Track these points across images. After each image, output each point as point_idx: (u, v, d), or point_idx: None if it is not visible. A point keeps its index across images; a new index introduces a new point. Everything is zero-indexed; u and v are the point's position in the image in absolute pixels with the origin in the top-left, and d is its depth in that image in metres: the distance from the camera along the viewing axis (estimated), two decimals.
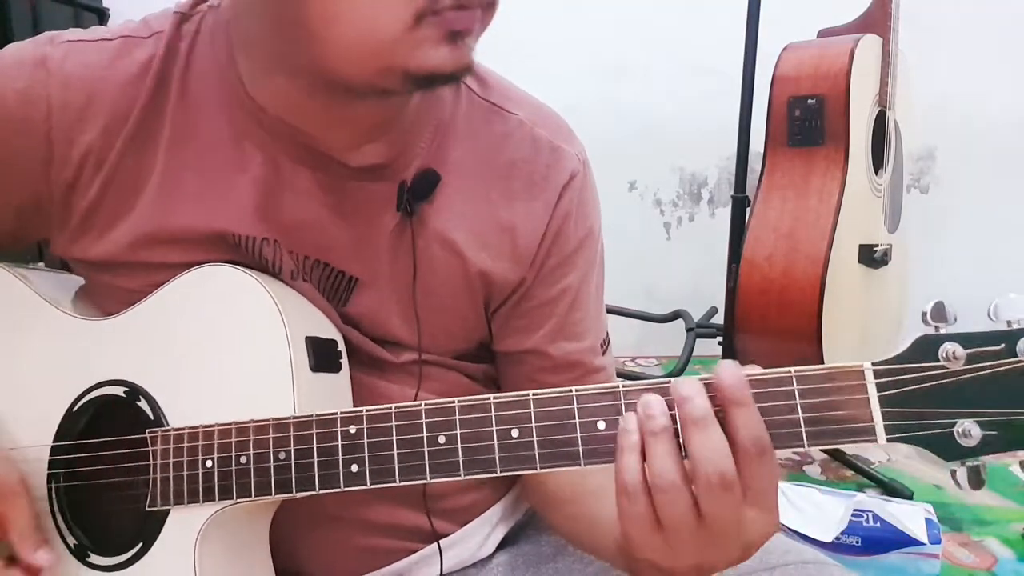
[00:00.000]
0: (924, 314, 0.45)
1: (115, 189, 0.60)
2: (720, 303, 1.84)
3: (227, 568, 0.59)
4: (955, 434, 0.44)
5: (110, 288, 0.64)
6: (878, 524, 1.25)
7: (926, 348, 0.45)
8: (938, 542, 1.22)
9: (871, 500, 1.29)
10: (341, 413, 0.54)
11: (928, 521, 1.25)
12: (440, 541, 0.69)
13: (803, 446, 0.45)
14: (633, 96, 2.38)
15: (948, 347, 0.44)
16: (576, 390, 0.49)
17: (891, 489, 1.64)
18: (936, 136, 2.43)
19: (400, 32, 0.50)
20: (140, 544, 0.58)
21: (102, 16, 1.92)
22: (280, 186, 0.61)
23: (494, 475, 0.50)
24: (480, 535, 0.72)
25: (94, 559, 0.60)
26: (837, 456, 1.73)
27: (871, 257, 1.67)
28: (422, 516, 0.67)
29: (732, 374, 0.46)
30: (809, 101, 1.58)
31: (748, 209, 1.67)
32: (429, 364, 0.67)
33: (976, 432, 0.44)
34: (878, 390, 0.45)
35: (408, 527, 0.67)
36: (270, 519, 0.62)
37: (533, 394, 0.49)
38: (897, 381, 0.45)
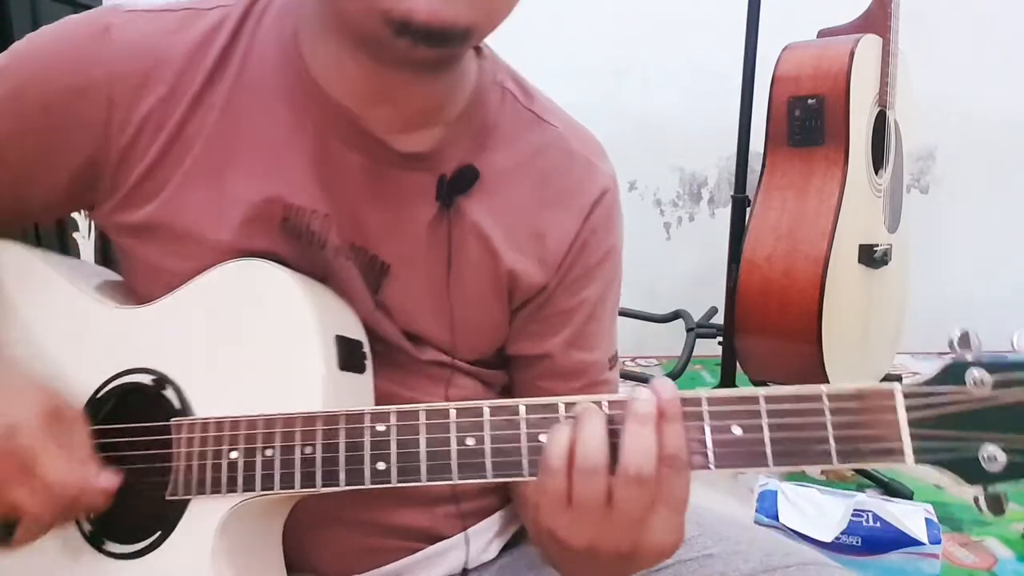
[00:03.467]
0: (951, 341, 0.46)
1: (172, 155, 0.61)
2: (720, 303, 1.84)
3: (243, 561, 0.58)
4: (980, 458, 0.45)
5: (146, 266, 0.64)
6: (878, 524, 1.25)
7: (954, 373, 0.46)
8: (938, 542, 1.22)
9: (871, 500, 1.29)
10: (369, 410, 0.54)
11: (928, 521, 1.25)
12: (442, 543, 0.69)
13: (832, 464, 0.46)
14: (633, 96, 2.38)
15: (975, 373, 0.45)
16: (605, 397, 0.50)
17: (891, 489, 1.64)
18: (936, 136, 2.43)
19: None
20: (158, 533, 0.58)
21: None
22: (328, 166, 0.62)
23: (521, 479, 0.51)
24: (484, 539, 0.72)
25: (110, 546, 0.59)
26: None
27: (871, 257, 1.67)
28: (427, 517, 0.68)
29: (668, 390, 0.48)
30: (809, 101, 1.59)
31: (748, 209, 1.67)
32: (448, 366, 0.68)
33: (1001, 457, 0.45)
34: (907, 411, 0.46)
35: (413, 528, 0.68)
36: (285, 517, 0.62)
37: (563, 400, 0.50)
38: (925, 404, 0.46)
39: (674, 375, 2.04)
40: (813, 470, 1.78)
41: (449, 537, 0.70)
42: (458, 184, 0.63)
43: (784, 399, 0.47)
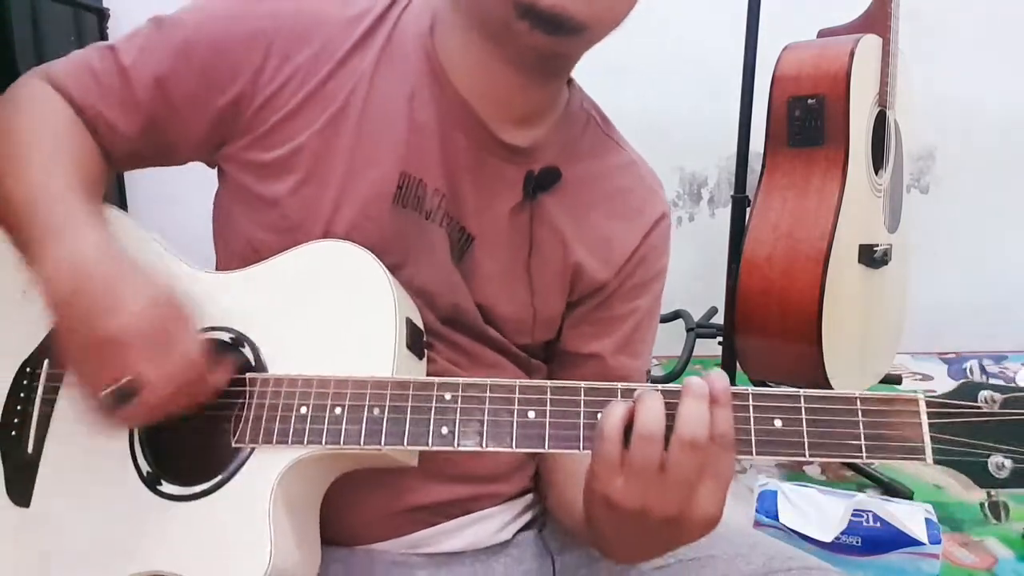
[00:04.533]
0: (966, 368, 0.57)
1: (310, 107, 0.68)
2: (720, 303, 1.84)
3: (295, 515, 0.60)
4: (989, 464, 0.52)
5: (260, 202, 0.69)
6: (878, 524, 1.25)
7: (969, 392, 0.53)
8: (938, 542, 1.22)
9: (871, 500, 1.29)
10: (439, 380, 0.58)
11: (928, 521, 1.25)
12: (461, 518, 0.73)
13: (861, 458, 0.53)
14: (633, 96, 2.38)
15: (986, 393, 0.53)
16: (663, 387, 0.54)
17: (891, 489, 1.64)
18: (936, 136, 2.43)
19: None
20: (218, 478, 0.60)
21: (102, 16, 1.92)
22: (444, 145, 0.69)
23: (576, 452, 0.55)
24: (500, 520, 0.76)
25: (166, 487, 0.61)
26: None
27: (871, 257, 1.67)
28: (459, 491, 0.72)
29: (721, 382, 0.53)
30: (809, 101, 1.59)
31: (748, 209, 1.67)
32: (498, 350, 0.73)
33: (1008, 465, 0.52)
34: (929, 418, 0.53)
35: (443, 503, 0.71)
36: (329, 484, 0.65)
37: (621, 385, 0.55)
38: (945, 412, 0.53)
39: (674, 375, 2.04)
40: (813, 470, 1.78)
41: (464, 515, 0.73)
42: (544, 181, 0.72)
43: (822, 399, 0.54)
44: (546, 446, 0.55)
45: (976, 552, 1.44)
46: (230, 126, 0.69)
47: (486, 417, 0.56)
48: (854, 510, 1.26)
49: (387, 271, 0.64)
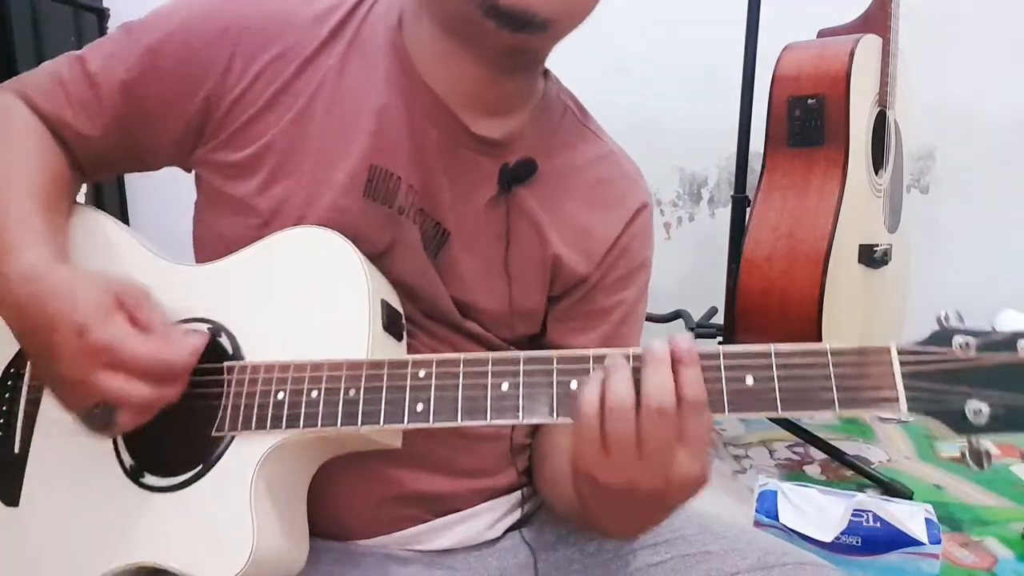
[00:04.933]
0: (939, 317, 0.52)
1: (279, 105, 0.68)
2: (720, 303, 1.84)
3: (278, 500, 0.61)
4: (966, 411, 0.50)
5: (232, 202, 0.68)
6: (878, 524, 1.25)
7: (943, 338, 0.51)
8: (938, 542, 1.22)
9: (871, 500, 1.29)
10: (412, 358, 0.58)
11: (928, 521, 1.25)
12: (450, 516, 0.73)
13: (835, 410, 0.51)
14: (633, 96, 2.37)
15: (961, 338, 0.51)
16: (633, 350, 0.54)
17: (891, 489, 1.64)
18: (936, 136, 2.43)
19: None
20: (199, 467, 0.60)
21: (102, 16, 1.92)
22: (414, 137, 0.69)
23: (550, 421, 0.55)
24: (489, 517, 0.76)
25: (148, 479, 0.61)
26: (837, 456, 1.74)
27: (871, 257, 1.67)
28: (444, 487, 0.72)
29: (685, 340, 0.52)
30: (809, 101, 1.58)
31: (748, 209, 1.67)
32: (480, 342, 0.73)
33: (985, 410, 0.50)
34: (902, 366, 0.51)
35: (430, 496, 0.72)
36: (314, 470, 0.65)
37: (593, 352, 0.55)
38: (918, 360, 0.51)
39: None
40: (813, 470, 1.78)
41: (456, 511, 0.74)
42: (519, 173, 0.71)
43: (792, 354, 0.52)
44: (520, 417, 0.55)
45: (976, 552, 1.44)
46: (201, 129, 0.69)
47: (460, 392, 0.56)
48: (854, 510, 1.26)
49: (360, 254, 0.64)
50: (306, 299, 0.63)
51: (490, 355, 0.57)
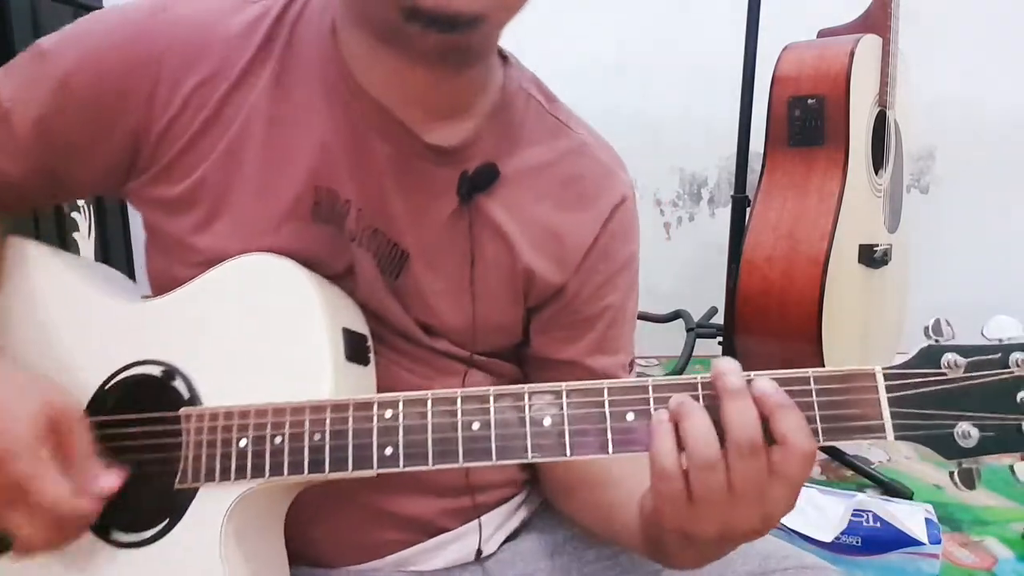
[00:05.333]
0: (925, 328, 0.51)
1: (212, 132, 0.63)
2: (720, 303, 1.84)
3: (249, 548, 0.59)
4: (955, 435, 0.49)
5: (173, 241, 0.65)
6: (878, 524, 1.25)
7: (930, 357, 0.50)
8: (938, 542, 1.22)
9: (871, 500, 1.29)
10: (378, 398, 0.55)
11: (928, 521, 1.25)
12: (443, 535, 0.70)
13: (819, 441, 0.49)
14: (633, 96, 2.38)
15: (949, 356, 0.49)
16: (607, 383, 0.51)
17: (891, 489, 1.64)
18: (936, 136, 2.43)
19: None
20: (166, 521, 0.58)
21: None
22: (359, 153, 0.64)
23: (525, 460, 0.52)
24: (484, 533, 0.73)
25: (117, 536, 0.60)
26: (837, 456, 1.73)
27: (871, 257, 1.67)
28: (434, 508, 0.69)
29: (769, 383, 0.49)
30: (809, 101, 1.58)
31: (748, 209, 1.67)
32: (460, 359, 0.69)
33: (975, 433, 0.48)
34: (887, 392, 0.49)
35: (418, 519, 0.69)
36: (288, 504, 0.63)
37: (566, 386, 0.52)
38: (904, 384, 0.49)
39: (674, 375, 2.03)
40: (813, 470, 1.78)
41: (449, 530, 0.71)
42: (479, 181, 0.65)
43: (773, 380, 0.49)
44: (494, 458, 0.52)
45: (976, 552, 1.44)
46: (131, 162, 0.64)
47: (430, 434, 0.53)
48: (854, 510, 1.26)
49: (314, 281, 0.61)
50: (261, 334, 0.60)
51: (458, 393, 0.53)
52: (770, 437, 0.48)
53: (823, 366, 1.53)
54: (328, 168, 0.63)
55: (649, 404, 0.51)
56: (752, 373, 0.50)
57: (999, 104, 2.37)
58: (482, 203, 0.66)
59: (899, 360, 0.51)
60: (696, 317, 2.21)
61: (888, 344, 1.94)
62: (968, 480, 0.49)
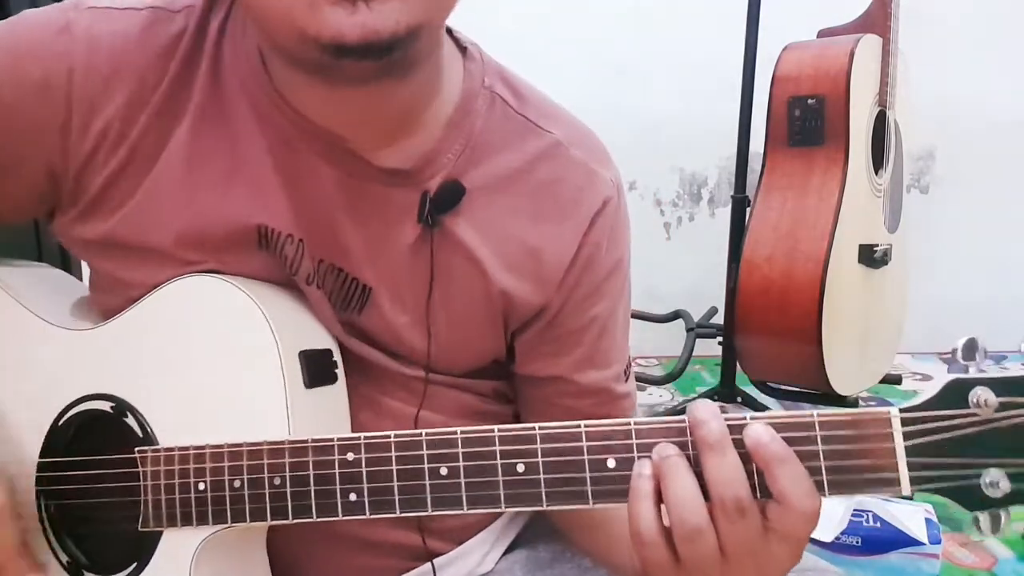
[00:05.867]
0: (954, 350, 0.45)
1: (134, 166, 0.58)
2: (720, 303, 1.84)
3: None
4: (982, 484, 0.43)
5: (109, 279, 0.61)
6: (878, 524, 1.24)
7: (957, 393, 0.43)
8: (938, 542, 1.22)
9: (871, 500, 1.29)
10: (338, 440, 0.52)
11: (928, 521, 1.25)
12: (436, 560, 0.67)
13: (824, 495, 0.44)
14: (633, 96, 2.37)
15: (979, 393, 0.42)
16: (585, 425, 0.47)
17: None
18: (936, 136, 2.43)
19: None
20: (134, 564, 0.57)
21: None
22: (301, 182, 0.58)
23: (498, 510, 0.49)
24: (479, 553, 0.71)
25: None
26: None
27: (871, 257, 1.67)
28: (418, 535, 0.66)
29: (765, 431, 0.44)
30: (809, 101, 1.58)
31: (748, 209, 1.67)
32: (435, 383, 0.65)
33: (1004, 484, 0.42)
34: (905, 439, 0.43)
35: (405, 545, 0.66)
36: (264, 539, 0.61)
37: (539, 427, 0.48)
38: (925, 430, 0.43)
39: (674, 375, 2.03)
40: None
41: (442, 554, 0.68)
42: (442, 201, 0.59)
43: (774, 427, 0.44)
44: (464, 506, 0.48)
45: (976, 552, 1.44)
46: (50, 196, 0.60)
47: (395, 481, 0.50)
48: (854, 510, 1.26)
49: (263, 300, 0.56)
50: (212, 365, 0.56)
51: (423, 434, 0.50)
52: (766, 491, 0.44)
53: (823, 366, 1.55)
54: (268, 205, 0.58)
55: (633, 451, 0.46)
56: (749, 416, 0.45)
57: (999, 104, 2.37)
58: (448, 225, 0.60)
59: (916, 371, 0.45)
60: (696, 317, 2.20)
61: (888, 344, 1.94)
62: (995, 525, 0.44)
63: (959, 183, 2.46)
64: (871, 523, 1.25)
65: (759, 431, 0.44)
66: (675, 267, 2.50)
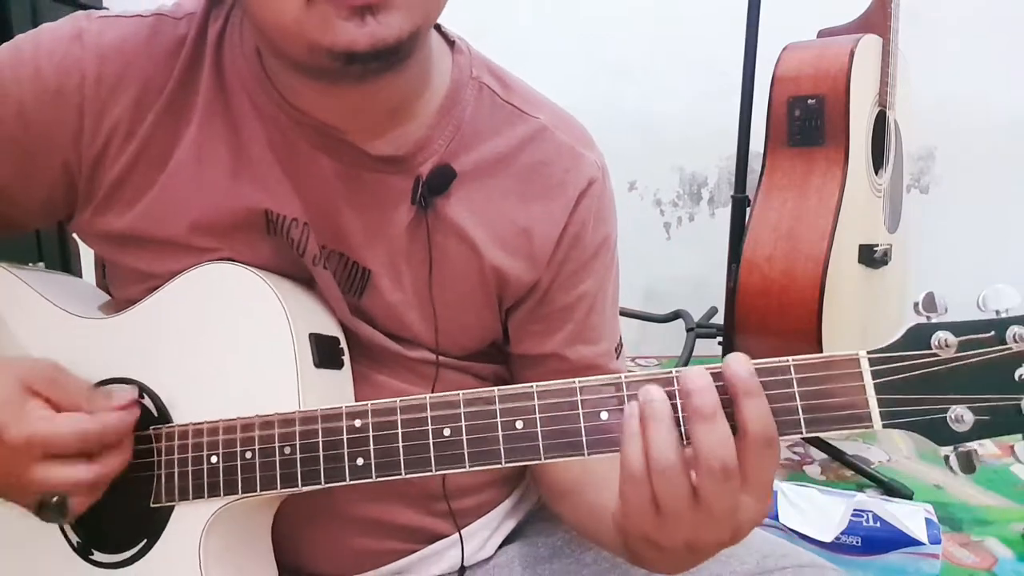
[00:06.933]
0: (916, 304, 0.47)
1: (144, 162, 0.62)
2: (720, 303, 1.84)
3: (232, 563, 0.59)
4: (948, 419, 0.46)
5: (129, 272, 0.64)
6: (878, 524, 1.25)
7: (919, 336, 0.47)
8: (938, 542, 1.22)
9: (871, 500, 1.29)
10: (346, 407, 0.54)
11: (928, 521, 1.25)
12: (436, 544, 0.69)
13: (801, 433, 0.47)
14: (633, 96, 2.38)
15: (940, 335, 0.46)
16: (579, 382, 0.50)
17: (891, 489, 1.64)
18: (936, 136, 2.43)
19: (297, 10, 0.51)
20: (144, 541, 0.59)
21: None
22: (302, 173, 0.62)
23: (499, 466, 0.51)
24: (480, 537, 0.72)
25: (98, 556, 0.60)
26: (837, 456, 1.73)
27: (871, 257, 1.67)
28: (423, 516, 0.68)
29: (743, 366, 0.47)
30: (809, 101, 1.59)
31: (748, 209, 1.67)
32: (432, 364, 0.67)
33: (968, 417, 0.45)
34: (873, 377, 0.46)
35: (407, 527, 0.68)
36: (272, 515, 0.63)
37: (537, 386, 0.51)
38: (892, 368, 0.46)
39: None
40: (813, 470, 1.78)
41: (445, 536, 0.70)
42: (435, 185, 0.63)
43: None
44: (467, 464, 0.51)
45: (976, 552, 1.44)
46: (67, 195, 0.64)
47: (401, 442, 0.53)
48: (854, 510, 1.26)
49: (277, 286, 0.60)
50: (227, 346, 0.59)
51: (427, 399, 0.53)
52: (735, 427, 0.46)
53: None
54: (276, 193, 0.62)
55: (624, 403, 0.49)
56: (731, 356, 0.48)
57: (999, 104, 2.37)
58: (441, 207, 0.64)
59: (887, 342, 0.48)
60: (696, 317, 2.21)
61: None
62: (967, 464, 0.46)
63: (959, 183, 2.46)
64: (871, 523, 1.25)
65: (740, 366, 0.47)
66: (675, 267, 2.50)
